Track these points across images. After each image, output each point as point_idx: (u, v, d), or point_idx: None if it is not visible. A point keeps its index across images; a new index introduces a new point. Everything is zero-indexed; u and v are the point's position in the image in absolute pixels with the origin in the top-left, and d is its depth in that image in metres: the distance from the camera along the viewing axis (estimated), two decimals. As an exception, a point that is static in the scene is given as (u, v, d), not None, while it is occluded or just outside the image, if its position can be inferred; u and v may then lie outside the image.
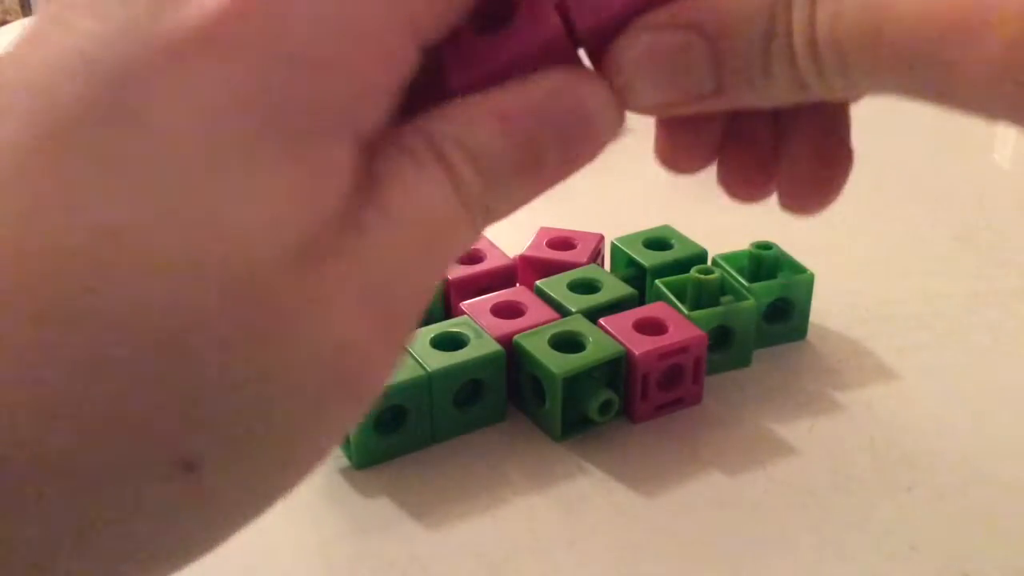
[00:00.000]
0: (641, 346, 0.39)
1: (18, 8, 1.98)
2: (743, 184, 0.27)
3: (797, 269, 0.45)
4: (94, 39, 0.18)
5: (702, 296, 0.43)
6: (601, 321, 0.41)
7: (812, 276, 0.45)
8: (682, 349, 0.40)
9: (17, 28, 0.98)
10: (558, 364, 0.38)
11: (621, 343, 0.40)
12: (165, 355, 0.17)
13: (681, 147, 0.27)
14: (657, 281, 0.44)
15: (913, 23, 0.20)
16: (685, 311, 0.42)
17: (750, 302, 0.43)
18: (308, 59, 0.18)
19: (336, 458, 0.39)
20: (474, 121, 0.21)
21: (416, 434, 0.39)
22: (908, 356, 0.45)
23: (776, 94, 0.23)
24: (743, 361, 0.44)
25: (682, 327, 0.41)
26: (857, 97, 0.23)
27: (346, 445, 0.38)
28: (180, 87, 0.17)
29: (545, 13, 0.21)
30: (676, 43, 0.22)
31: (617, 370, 0.40)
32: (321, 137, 0.19)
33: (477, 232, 0.22)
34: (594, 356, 0.39)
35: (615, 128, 0.23)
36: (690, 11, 0.22)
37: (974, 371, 0.44)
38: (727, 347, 0.44)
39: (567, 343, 0.40)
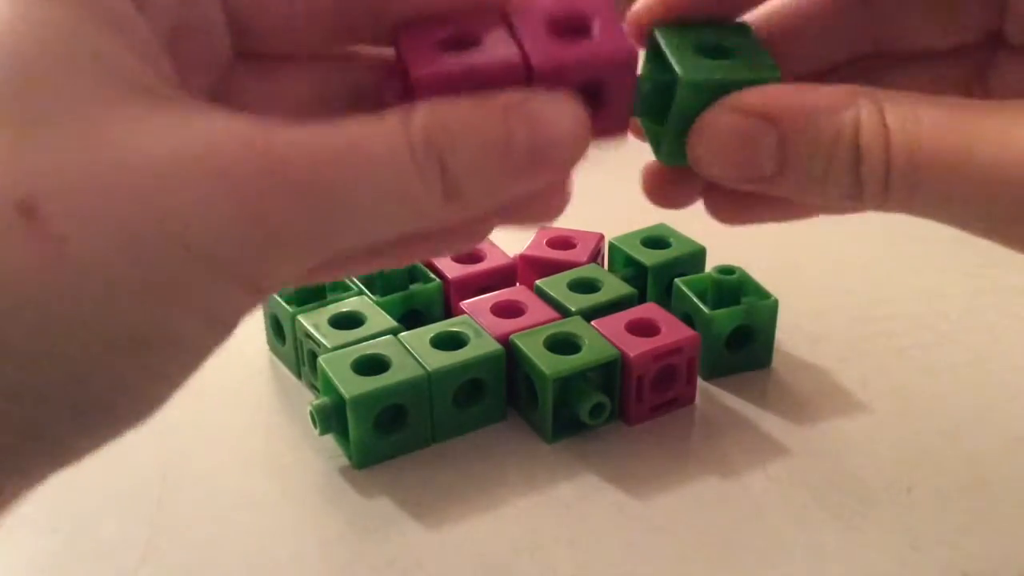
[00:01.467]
0: (635, 348, 0.39)
1: None
2: (731, 216, 0.29)
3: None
4: None
5: (723, 295, 0.43)
6: (593, 323, 0.41)
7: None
8: (675, 350, 0.40)
9: None
10: (550, 365, 0.38)
11: (615, 345, 0.40)
12: None
13: (670, 192, 0.29)
14: (677, 280, 0.44)
15: (993, 175, 0.23)
16: (706, 311, 0.42)
17: (771, 301, 0.43)
18: None
19: (336, 458, 0.39)
20: (450, 101, 0.22)
21: (416, 434, 0.39)
22: (909, 356, 0.45)
23: (827, 197, 0.25)
24: (764, 361, 0.44)
25: (674, 328, 0.41)
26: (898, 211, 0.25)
27: (346, 444, 0.38)
28: None
29: (509, 44, 0.24)
30: (751, 129, 0.24)
31: (611, 372, 0.40)
32: None
33: (435, 195, 0.22)
34: (587, 358, 0.39)
35: (584, 140, 0.23)
36: (769, 102, 0.24)
37: (974, 371, 0.44)
38: (748, 347, 0.44)
39: (563, 344, 0.40)
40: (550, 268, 0.46)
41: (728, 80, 0.25)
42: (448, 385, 0.39)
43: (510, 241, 0.48)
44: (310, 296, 0.43)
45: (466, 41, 0.24)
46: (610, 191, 0.64)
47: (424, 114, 0.22)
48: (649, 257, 0.46)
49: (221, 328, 0.23)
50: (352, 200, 0.21)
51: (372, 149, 0.21)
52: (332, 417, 0.38)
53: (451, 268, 0.46)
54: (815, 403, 0.42)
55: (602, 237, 0.49)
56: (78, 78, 0.20)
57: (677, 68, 0.25)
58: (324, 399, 0.38)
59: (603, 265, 0.49)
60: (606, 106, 0.24)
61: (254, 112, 0.23)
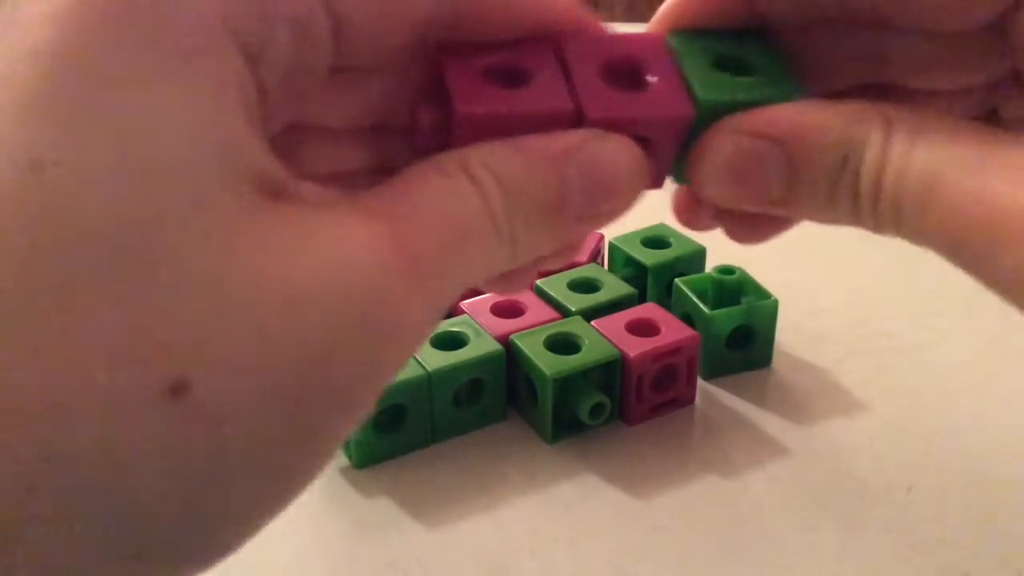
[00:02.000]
0: (635, 348, 0.39)
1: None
2: (751, 235, 0.28)
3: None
4: None
5: (723, 295, 0.43)
6: (593, 323, 0.41)
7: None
8: (675, 350, 0.40)
9: None
10: (550, 365, 0.38)
11: (615, 345, 0.40)
12: (128, 270, 0.16)
13: (697, 215, 0.27)
14: (677, 280, 0.44)
15: (959, 206, 0.22)
16: (706, 311, 0.42)
17: (771, 301, 0.43)
18: None
19: (336, 457, 0.39)
20: (504, 152, 0.22)
21: (416, 434, 0.39)
22: (909, 356, 0.45)
23: (833, 216, 0.24)
24: (764, 361, 0.44)
25: (674, 328, 0.41)
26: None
27: (346, 445, 0.38)
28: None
29: (560, 87, 0.23)
30: (757, 150, 0.24)
31: (611, 372, 0.40)
32: (200, 51, 0.18)
33: (505, 254, 0.22)
34: (587, 358, 0.39)
35: (640, 185, 0.23)
36: (776, 124, 0.23)
37: (974, 371, 0.44)
38: (748, 347, 0.44)
39: (562, 344, 0.40)
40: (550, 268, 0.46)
41: (750, 102, 0.23)
42: (448, 385, 0.39)
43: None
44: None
45: (514, 74, 0.23)
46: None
47: (491, 181, 0.21)
48: (649, 257, 0.46)
49: (332, 456, 0.21)
50: (455, 278, 0.21)
51: (471, 231, 0.21)
52: (332, 417, 0.38)
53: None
54: (815, 403, 0.42)
55: (602, 237, 0.49)
56: (205, 180, 0.17)
57: (696, 89, 0.23)
58: (324, 399, 0.38)
59: (603, 265, 0.49)
60: (649, 158, 0.23)
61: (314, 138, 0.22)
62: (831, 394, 0.42)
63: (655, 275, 0.46)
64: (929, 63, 0.26)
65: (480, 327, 0.41)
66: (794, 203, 0.24)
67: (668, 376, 0.41)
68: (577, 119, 0.22)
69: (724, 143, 0.24)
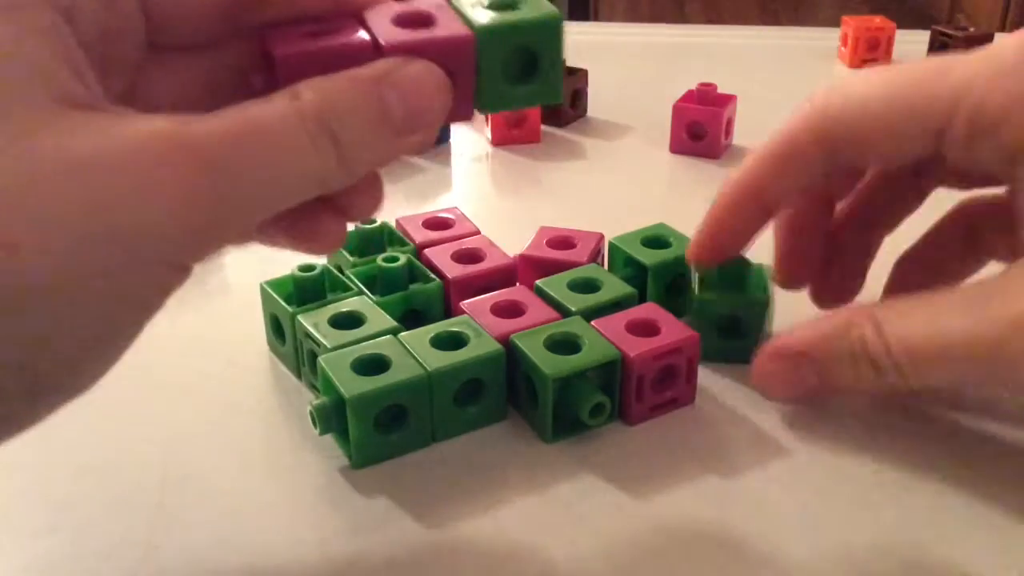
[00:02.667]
0: (635, 348, 0.39)
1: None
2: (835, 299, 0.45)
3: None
4: None
5: (725, 277, 0.45)
6: (593, 323, 0.41)
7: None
8: (675, 350, 0.40)
9: None
10: (550, 365, 0.38)
11: (615, 345, 0.40)
12: None
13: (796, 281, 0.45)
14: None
15: (929, 351, 0.35)
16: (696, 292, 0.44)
17: (762, 294, 0.44)
18: None
19: (336, 458, 0.39)
20: (330, 78, 0.26)
21: (416, 434, 0.39)
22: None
23: (867, 387, 0.37)
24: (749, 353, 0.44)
25: (674, 328, 0.41)
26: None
27: (346, 444, 0.38)
28: None
29: (361, 32, 0.29)
30: (795, 364, 0.38)
31: (611, 372, 0.40)
32: (13, 4, 0.23)
33: (330, 159, 0.26)
34: (587, 358, 0.39)
35: (447, 95, 0.28)
36: (797, 345, 0.38)
37: (974, 371, 0.44)
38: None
39: (563, 344, 0.40)
40: (550, 268, 0.46)
41: (515, 22, 0.30)
42: (448, 385, 0.39)
43: (510, 241, 0.48)
44: (310, 296, 0.43)
45: (324, 33, 0.28)
46: (610, 191, 0.64)
47: (309, 92, 0.25)
48: (649, 257, 0.46)
49: (150, 308, 0.25)
50: (259, 173, 0.25)
51: (270, 127, 0.25)
52: (332, 417, 0.38)
53: (451, 268, 0.46)
54: (815, 403, 0.42)
55: (602, 237, 0.49)
56: (13, 91, 0.23)
57: (471, 19, 0.29)
58: (324, 399, 0.38)
59: (603, 265, 0.49)
60: (454, 89, 0.29)
61: (161, 105, 0.27)
62: (831, 394, 0.42)
63: (655, 275, 0.46)
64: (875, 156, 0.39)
65: (480, 327, 0.41)
66: (830, 386, 0.38)
67: (668, 376, 0.41)
68: (377, 52, 0.28)
69: (773, 365, 0.39)
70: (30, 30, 0.23)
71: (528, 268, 0.47)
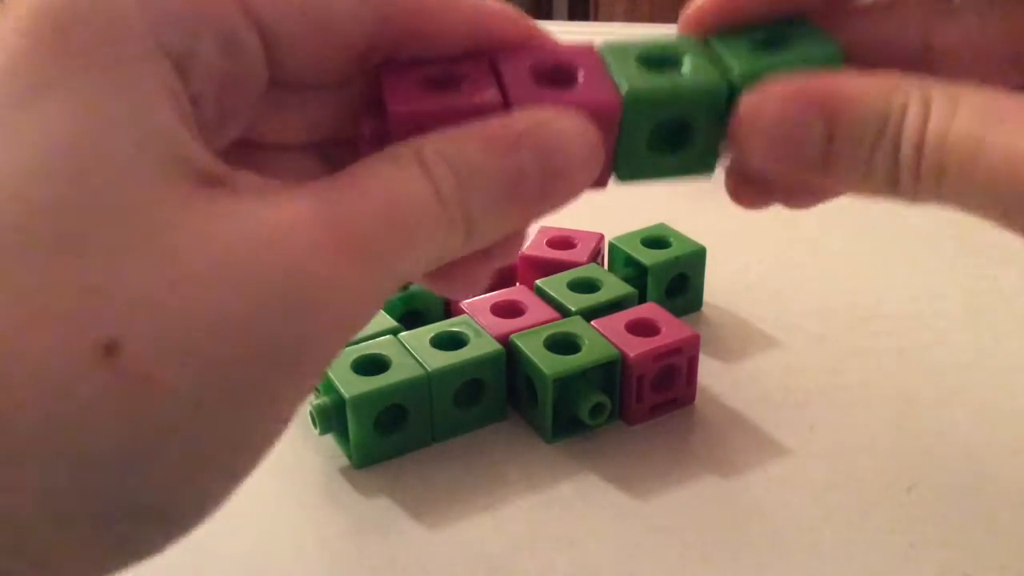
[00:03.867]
0: (635, 348, 0.39)
1: None
2: (752, 200, 0.28)
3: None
4: None
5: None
6: (593, 323, 0.41)
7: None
8: (675, 350, 0.40)
9: None
10: (550, 365, 0.38)
11: (615, 345, 0.40)
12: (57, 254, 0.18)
13: (746, 191, 0.28)
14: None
15: (1007, 165, 0.22)
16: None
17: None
18: None
19: (336, 458, 0.39)
20: (458, 139, 0.22)
21: (416, 434, 0.39)
22: (908, 355, 0.45)
23: (869, 185, 0.25)
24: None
25: (674, 328, 0.41)
26: (944, 206, 0.25)
27: (346, 444, 0.38)
28: None
29: (490, 86, 0.24)
30: (798, 117, 0.24)
31: (611, 372, 0.40)
32: (125, 53, 0.19)
33: (459, 236, 0.23)
34: (587, 358, 0.39)
35: (595, 162, 0.24)
36: (817, 89, 0.24)
37: (974, 371, 0.44)
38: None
39: (563, 344, 0.40)
40: (550, 268, 0.46)
41: (673, 88, 0.25)
42: (448, 385, 0.39)
43: (510, 241, 0.48)
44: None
45: (449, 81, 0.24)
46: (610, 191, 0.64)
47: (443, 167, 0.22)
48: (649, 257, 0.46)
49: (289, 420, 0.22)
50: (400, 257, 0.22)
51: (413, 210, 0.21)
52: (332, 417, 0.38)
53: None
54: (815, 403, 0.42)
55: (602, 237, 0.49)
56: (138, 171, 0.19)
57: (620, 82, 0.24)
58: (324, 399, 0.38)
59: (603, 265, 0.49)
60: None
61: (278, 146, 0.24)
62: (832, 394, 0.42)
63: (655, 275, 0.46)
64: (972, 54, 0.27)
65: (480, 327, 0.41)
66: (833, 169, 0.25)
67: (668, 376, 0.41)
68: (506, 112, 0.23)
69: (762, 106, 0.24)
70: (148, 90, 0.19)
71: (528, 268, 0.47)
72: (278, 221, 0.20)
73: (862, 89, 0.24)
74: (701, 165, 0.26)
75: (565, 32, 0.30)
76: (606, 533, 0.35)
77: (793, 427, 0.40)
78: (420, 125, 0.23)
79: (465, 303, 0.43)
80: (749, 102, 0.24)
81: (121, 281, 0.18)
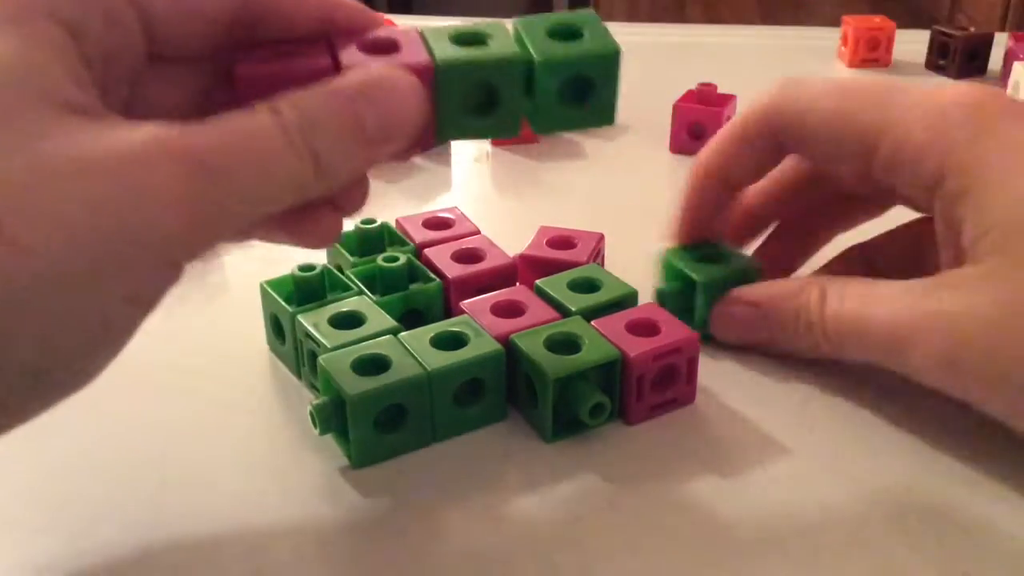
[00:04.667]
0: (635, 348, 0.39)
1: None
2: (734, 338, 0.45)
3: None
4: None
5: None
6: (593, 323, 0.41)
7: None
8: (675, 350, 0.40)
9: None
10: (551, 365, 0.38)
11: (615, 345, 0.40)
12: None
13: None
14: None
15: (875, 332, 0.38)
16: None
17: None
18: None
19: (336, 458, 0.39)
20: (307, 91, 0.28)
21: (416, 433, 0.39)
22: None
23: (803, 348, 0.42)
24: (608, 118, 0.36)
25: (674, 328, 0.41)
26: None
27: (345, 444, 0.38)
28: None
29: (324, 55, 0.31)
30: (745, 313, 0.43)
31: (611, 372, 0.40)
32: (25, 17, 0.25)
33: (308, 170, 0.27)
34: (588, 358, 0.39)
35: (422, 103, 0.30)
36: (754, 296, 0.43)
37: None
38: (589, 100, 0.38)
39: (563, 344, 0.40)
40: (550, 268, 0.46)
41: (479, 60, 0.31)
42: (448, 385, 0.39)
43: (510, 241, 0.48)
44: (310, 296, 0.43)
45: (290, 54, 0.30)
46: (610, 191, 0.64)
47: (289, 107, 0.27)
48: (700, 273, 0.44)
49: (147, 306, 0.26)
50: (246, 180, 0.26)
51: (255, 136, 0.26)
52: (332, 417, 0.38)
53: (451, 268, 0.46)
54: (815, 403, 0.42)
55: (602, 237, 0.49)
56: (20, 98, 0.24)
57: (435, 51, 0.31)
58: (324, 399, 0.38)
59: (603, 265, 0.49)
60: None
61: (158, 113, 0.28)
62: (831, 394, 0.42)
63: (705, 291, 0.46)
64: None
65: (480, 327, 0.41)
66: (776, 341, 0.43)
67: (668, 376, 0.41)
68: (336, 75, 0.29)
69: (730, 310, 0.43)
70: (37, 42, 0.25)
71: (528, 268, 0.47)
72: (132, 135, 0.25)
73: (782, 293, 0.42)
74: (506, 128, 0.33)
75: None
76: (606, 533, 0.35)
77: (793, 427, 0.40)
78: (262, 84, 0.28)
79: (465, 303, 0.43)
80: (718, 306, 0.44)
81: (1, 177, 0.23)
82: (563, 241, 0.48)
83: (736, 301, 0.43)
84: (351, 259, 0.47)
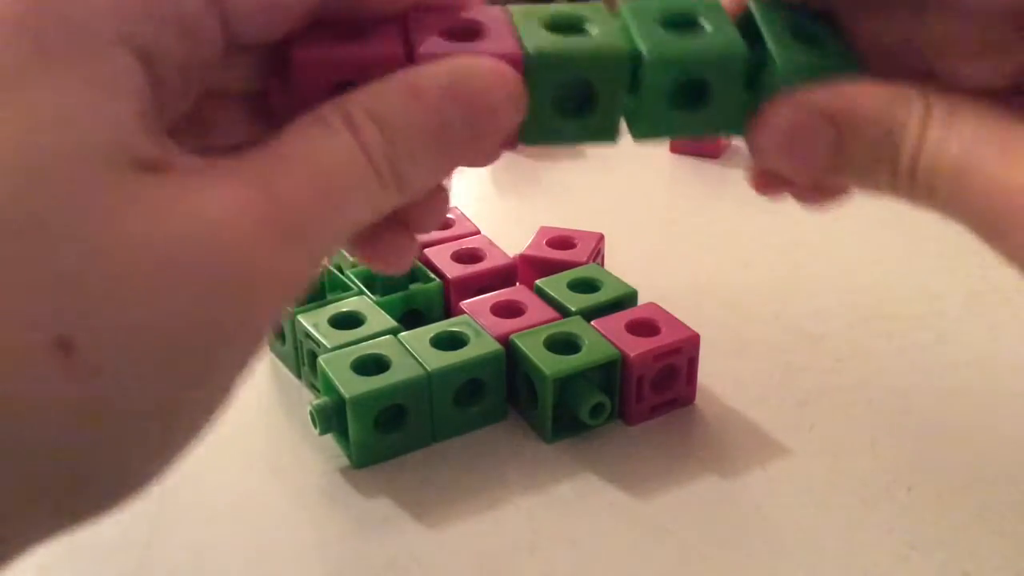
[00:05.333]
0: (635, 348, 0.39)
1: None
2: (767, 189, 0.30)
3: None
4: None
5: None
6: (593, 323, 0.41)
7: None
8: (675, 350, 0.40)
9: None
10: (550, 365, 0.38)
11: (615, 345, 0.40)
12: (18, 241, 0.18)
13: (767, 185, 0.30)
14: None
15: (985, 192, 0.24)
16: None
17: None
18: None
19: (336, 457, 0.39)
20: (385, 92, 0.23)
21: (416, 433, 0.39)
22: (909, 356, 0.45)
23: (874, 187, 0.27)
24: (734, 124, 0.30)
25: (674, 328, 0.41)
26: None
27: (346, 444, 0.38)
28: None
29: (395, 40, 0.25)
30: (811, 125, 0.26)
31: (611, 372, 0.40)
32: (92, 50, 0.21)
33: (390, 192, 0.24)
34: (587, 358, 0.39)
35: (517, 102, 0.25)
36: (830, 101, 0.26)
37: (974, 371, 0.44)
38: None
39: (563, 344, 0.40)
40: (550, 268, 0.46)
41: (574, 53, 0.26)
42: (448, 385, 0.39)
43: (510, 241, 0.48)
44: (310, 296, 0.43)
45: (357, 37, 0.25)
46: (610, 191, 0.64)
47: (365, 117, 0.23)
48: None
49: (228, 392, 0.23)
50: (331, 224, 0.23)
51: (338, 173, 0.23)
52: (332, 417, 0.38)
53: (451, 268, 0.46)
54: (815, 403, 0.42)
55: (602, 237, 0.49)
56: (88, 162, 0.19)
57: (526, 42, 0.26)
58: (324, 399, 0.38)
59: (603, 265, 0.49)
60: None
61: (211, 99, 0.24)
62: (831, 394, 0.42)
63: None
64: (962, 49, 0.27)
65: (480, 327, 0.41)
66: (840, 173, 0.27)
67: (668, 376, 0.41)
68: (409, 64, 0.24)
69: (780, 115, 0.26)
70: (104, 82, 0.21)
71: (528, 268, 0.47)
72: (217, 209, 0.21)
73: (869, 101, 0.26)
74: (603, 133, 0.27)
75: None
76: (606, 533, 0.35)
77: (793, 427, 0.40)
78: (323, 71, 0.24)
79: (465, 303, 0.43)
80: (770, 108, 0.26)
81: (70, 276, 0.19)
82: (563, 241, 0.48)
83: (796, 107, 0.26)
84: (351, 259, 0.47)
